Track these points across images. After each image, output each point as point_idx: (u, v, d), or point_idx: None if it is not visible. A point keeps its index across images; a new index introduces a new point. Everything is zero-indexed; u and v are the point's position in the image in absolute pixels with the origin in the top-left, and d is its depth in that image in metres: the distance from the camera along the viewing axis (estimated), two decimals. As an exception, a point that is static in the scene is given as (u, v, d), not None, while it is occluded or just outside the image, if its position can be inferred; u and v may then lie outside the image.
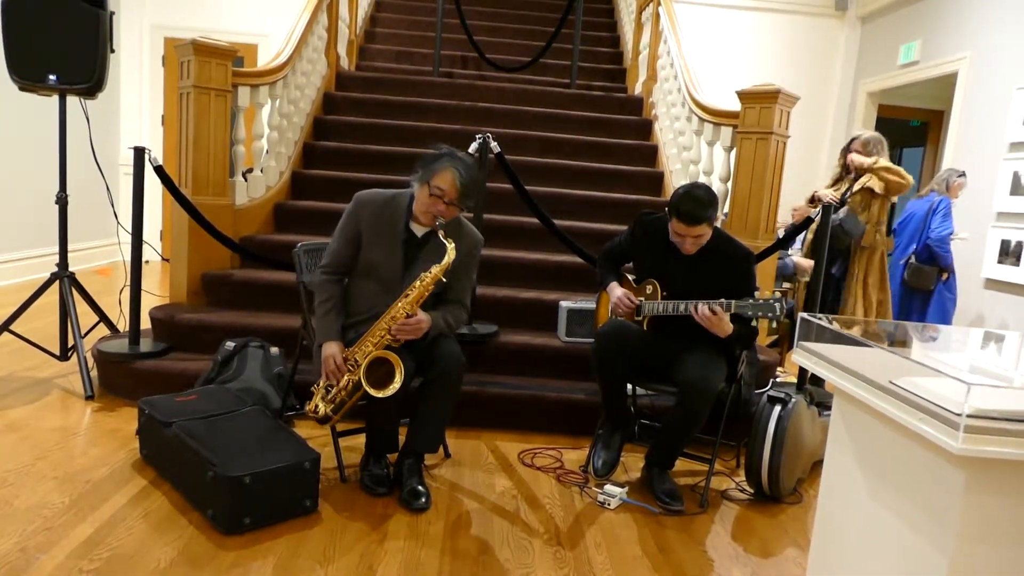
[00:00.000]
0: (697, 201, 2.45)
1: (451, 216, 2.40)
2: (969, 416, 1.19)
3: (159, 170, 3.27)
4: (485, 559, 2.10)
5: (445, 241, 2.33)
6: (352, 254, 2.46)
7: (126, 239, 3.37)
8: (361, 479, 2.49)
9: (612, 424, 2.75)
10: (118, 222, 3.79)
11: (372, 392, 2.24)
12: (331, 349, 2.37)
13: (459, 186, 2.33)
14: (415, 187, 2.40)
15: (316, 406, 2.38)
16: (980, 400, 1.21)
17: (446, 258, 2.33)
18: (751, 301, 2.42)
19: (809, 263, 5.56)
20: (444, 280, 2.37)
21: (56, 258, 3.36)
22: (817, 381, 3.50)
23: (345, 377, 2.33)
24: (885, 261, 3.90)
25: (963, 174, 4.68)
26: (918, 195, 4.85)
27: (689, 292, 2.55)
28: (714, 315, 2.42)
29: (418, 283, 2.33)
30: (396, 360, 2.27)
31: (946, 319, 4.56)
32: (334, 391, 2.35)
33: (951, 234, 4.47)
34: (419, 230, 2.46)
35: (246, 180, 4.10)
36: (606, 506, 2.48)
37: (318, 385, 2.41)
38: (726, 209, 4.01)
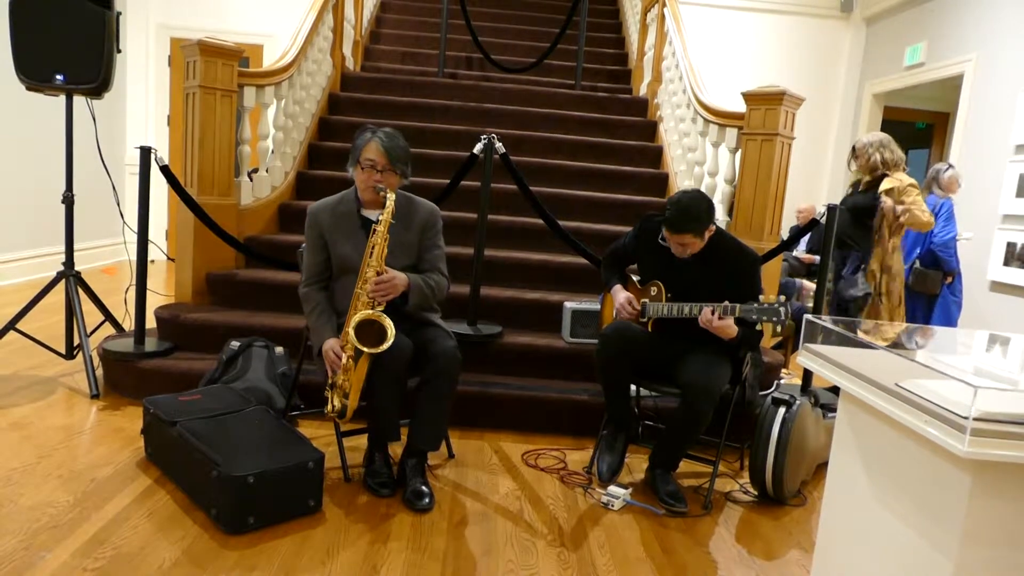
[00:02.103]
0: (685, 212, 2.45)
1: (391, 184, 2.47)
2: (976, 419, 1.19)
3: (165, 170, 3.28)
4: (488, 560, 2.10)
5: (385, 196, 2.41)
6: (324, 260, 2.56)
7: (132, 238, 3.38)
8: (364, 479, 2.50)
9: (615, 426, 2.75)
10: (124, 221, 3.80)
11: (369, 350, 2.27)
12: (328, 344, 2.42)
13: (384, 150, 2.43)
14: (352, 173, 2.53)
15: (332, 405, 2.41)
16: (987, 403, 1.20)
17: (388, 203, 2.40)
18: (755, 305, 2.42)
19: (807, 256, 5.55)
20: (397, 225, 2.44)
21: (62, 257, 3.38)
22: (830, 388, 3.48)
23: (344, 356, 2.35)
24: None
25: (950, 166, 4.56)
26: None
27: (694, 294, 2.54)
28: (720, 320, 2.42)
29: (373, 237, 2.40)
30: (381, 316, 2.33)
31: (951, 323, 4.52)
32: (340, 377, 2.37)
33: (954, 237, 4.43)
34: (372, 214, 2.54)
35: (251, 180, 4.11)
36: (610, 507, 2.48)
37: (328, 387, 2.43)
38: (732, 211, 4.00)
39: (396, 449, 2.62)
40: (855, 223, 3.79)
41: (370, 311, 2.34)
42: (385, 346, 2.28)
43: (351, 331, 2.29)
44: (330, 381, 2.42)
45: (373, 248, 2.39)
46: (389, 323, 2.31)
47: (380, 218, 2.40)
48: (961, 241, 4.60)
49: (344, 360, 2.35)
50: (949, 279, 4.45)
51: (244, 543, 2.07)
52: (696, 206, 2.47)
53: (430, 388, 2.43)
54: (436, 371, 2.42)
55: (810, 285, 5.46)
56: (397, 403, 2.44)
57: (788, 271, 5.64)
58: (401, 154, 2.47)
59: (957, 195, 4.58)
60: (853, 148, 3.95)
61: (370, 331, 2.31)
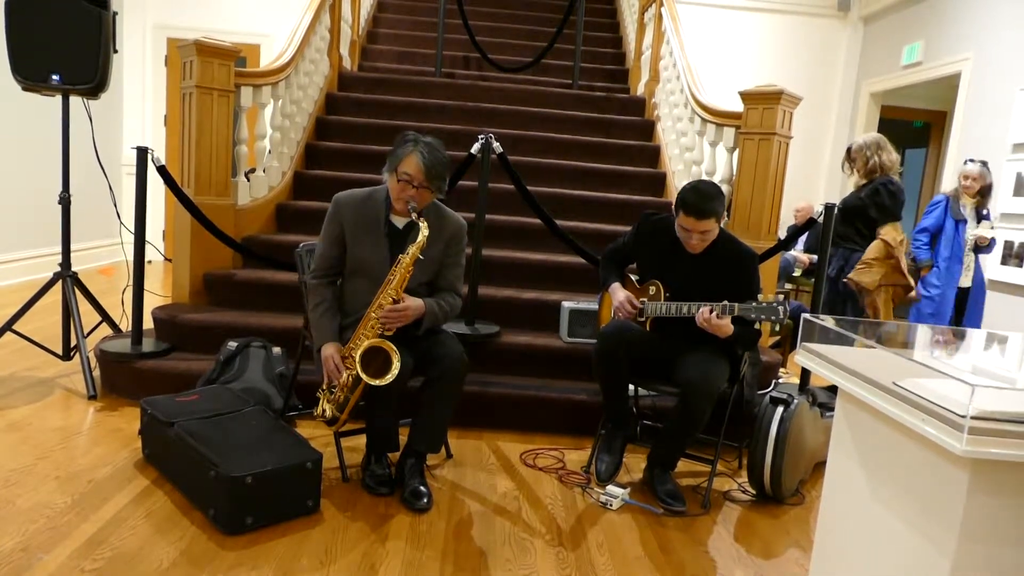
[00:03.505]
0: (703, 195, 2.44)
1: (424, 200, 2.40)
2: (973, 418, 1.19)
3: (162, 170, 3.27)
4: (487, 559, 2.09)
5: (418, 221, 2.34)
6: (339, 255, 2.49)
7: (128, 239, 3.37)
8: (363, 479, 2.50)
9: (614, 425, 2.75)
10: (121, 222, 3.80)
11: (371, 381, 2.24)
12: (329, 350, 2.39)
13: (424, 167, 2.35)
14: (386, 178, 2.44)
15: (323, 409, 2.40)
16: (984, 401, 1.21)
17: (420, 236, 2.33)
18: (754, 304, 2.42)
19: (805, 257, 5.59)
20: (422, 258, 2.37)
21: (59, 258, 3.37)
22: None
23: (344, 373, 2.33)
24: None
25: (967, 161, 4.48)
26: None
27: (692, 292, 2.54)
28: (718, 319, 2.41)
29: (397, 267, 2.34)
30: (391, 347, 2.28)
31: (919, 319, 4.47)
32: (336, 391, 2.36)
33: (925, 229, 4.41)
34: (399, 221, 2.49)
35: (248, 180, 4.11)
36: (608, 507, 2.48)
37: (322, 389, 2.42)
38: (729, 210, 4.00)
39: (394, 449, 2.62)
40: (843, 222, 3.80)
41: (379, 340, 2.30)
42: (388, 379, 2.24)
43: (357, 360, 2.25)
44: (324, 386, 2.41)
45: (394, 276, 2.33)
46: (396, 357, 2.26)
47: (410, 249, 2.33)
48: (975, 238, 4.50)
49: (344, 377, 2.33)
50: (922, 271, 4.38)
51: (242, 543, 2.07)
52: (713, 188, 2.48)
53: (434, 390, 2.42)
54: (442, 373, 2.41)
55: (804, 257, 5.48)
56: (395, 419, 2.44)
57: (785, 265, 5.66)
58: (440, 171, 2.38)
59: (971, 190, 4.49)
60: (848, 150, 3.94)
61: (376, 358, 2.28)
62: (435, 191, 2.42)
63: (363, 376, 2.23)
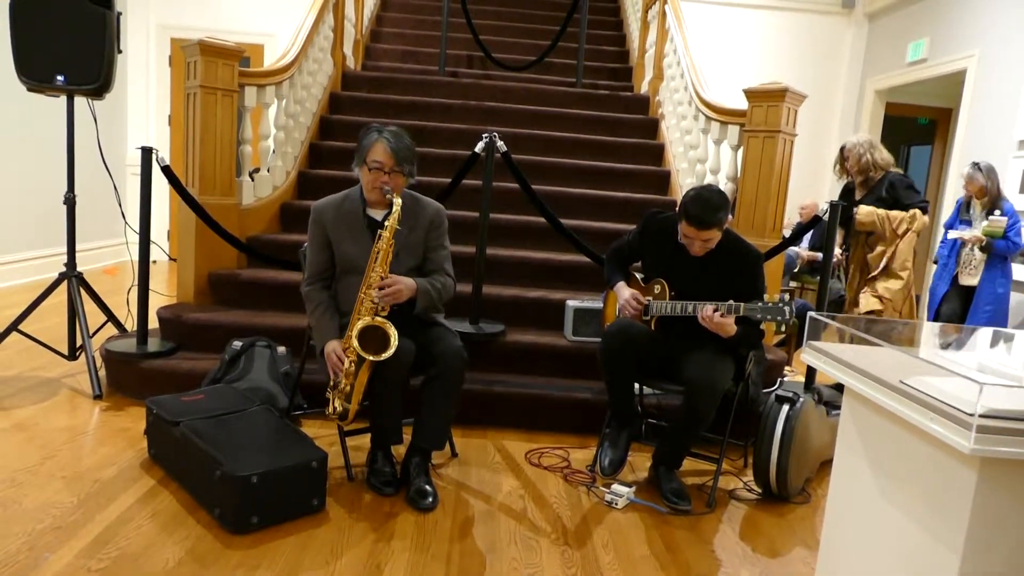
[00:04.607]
0: (707, 204, 2.44)
1: (397, 185, 2.46)
2: (981, 416, 1.18)
3: (166, 170, 3.28)
4: (492, 558, 2.09)
5: (392, 199, 2.39)
6: (327, 259, 2.55)
7: (133, 239, 3.38)
8: (368, 478, 2.50)
9: (618, 423, 2.75)
10: (125, 222, 3.80)
11: (371, 357, 2.26)
12: (331, 346, 2.42)
13: (391, 151, 2.41)
14: (357, 173, 2.51)
15: (334, 407, 2.41)
16: (992, 400, 1.20)
17: (394, 208, 2.38)
18: (760, 304, 2.41)
19: (806, 254, 5.59)
20: (400, 228, 2.42)
21: (64, 258, 3.38)
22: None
23: (347, 361, 2.34)
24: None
25: (969, 164, 4.57)
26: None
27: (697, 292, 2.54)
28: (722, 318, 2.41)
29: (378, 243, 2.38)
30: (384, 323, 2.32)
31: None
32: (342, 381, 2.37)
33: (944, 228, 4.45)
34: (377, 213, 2.54)
35: (253, 180, 4.11)
36: (613, 505, 2.48)
37: (330, 388, 2.43)
38: (734, 208, 3.99)
39: (399, 448, 2.62)
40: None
41: (373, 318, 2.33)
42: (388, 354, 2.27)
43: (354, 338, 2.28)
44: (332, 383, 2.42)
45: (378, 253, 2.38)
46: (392, 331, 2.31)
47: (387, 224, 2.38)
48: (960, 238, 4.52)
49: (346, 364, 2.35)
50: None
51: (248, 543, 2.07)
52: (717, 197, 2.47)
53: (435, 387, 2.43)
54: (441, 370, 2.42)
55: (805, 254, 5.48)
56: (399, 407, 2.45)
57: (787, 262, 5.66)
58: (408, 154, 2.46)
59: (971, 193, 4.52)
60: (841, 150, 3.94)
61: (373, 337, 2.31)
62: (406, 175, 2.48)
63: (362, 353, 2.26)
